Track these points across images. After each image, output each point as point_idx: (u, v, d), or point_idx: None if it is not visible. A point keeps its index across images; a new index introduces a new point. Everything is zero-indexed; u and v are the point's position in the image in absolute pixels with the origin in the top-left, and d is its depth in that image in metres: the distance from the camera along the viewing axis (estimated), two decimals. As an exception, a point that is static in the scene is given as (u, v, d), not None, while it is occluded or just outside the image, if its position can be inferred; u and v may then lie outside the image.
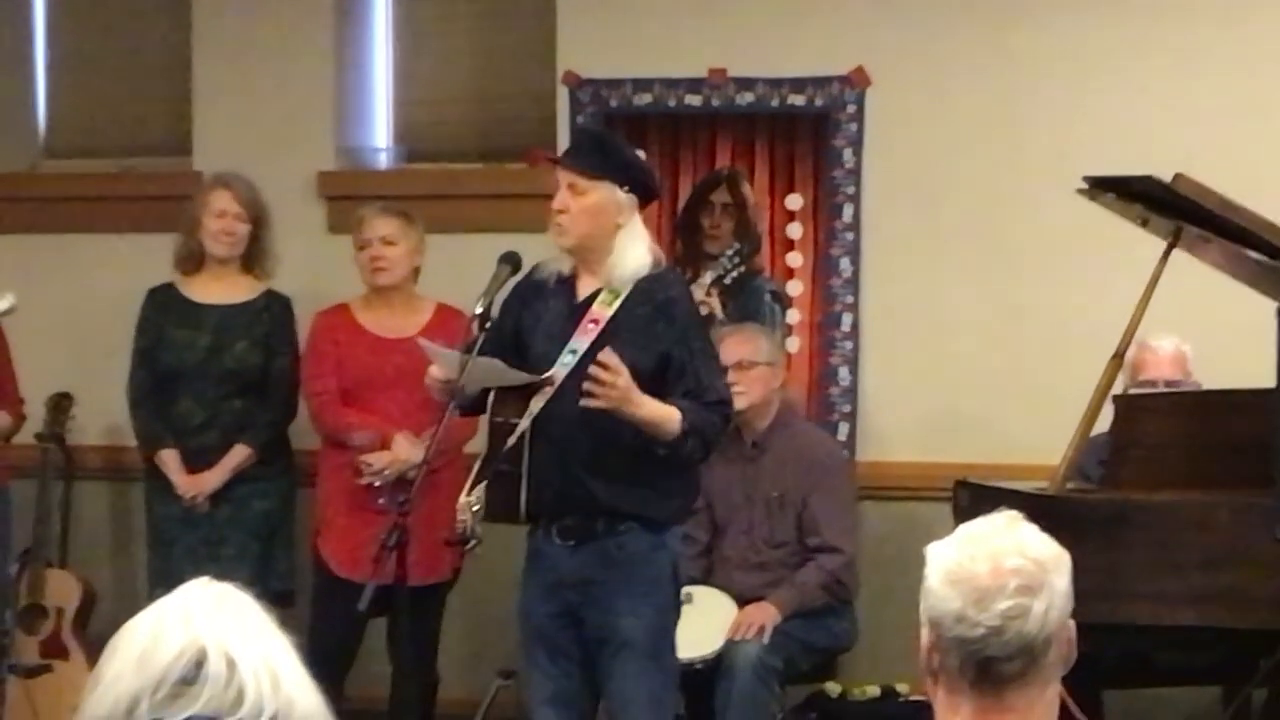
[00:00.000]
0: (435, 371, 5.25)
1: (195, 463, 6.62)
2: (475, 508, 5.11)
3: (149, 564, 6.75)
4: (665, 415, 5.08)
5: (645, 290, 5.20)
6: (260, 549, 6.64)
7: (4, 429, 6.83)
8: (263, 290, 6.77)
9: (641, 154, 7.11)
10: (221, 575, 2.33)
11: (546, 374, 5.15)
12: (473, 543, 5.16)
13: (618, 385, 4.97)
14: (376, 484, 6.36)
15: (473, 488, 5.14)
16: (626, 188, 5.17)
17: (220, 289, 6.74)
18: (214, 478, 6.60)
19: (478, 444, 5.41)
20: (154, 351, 6.70)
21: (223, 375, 6.65)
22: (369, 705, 6.13)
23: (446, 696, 6.76)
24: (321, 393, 6.55)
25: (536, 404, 5.14)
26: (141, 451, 6.77)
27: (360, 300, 6.66)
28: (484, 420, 5.33)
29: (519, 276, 5.34)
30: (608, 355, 5.02)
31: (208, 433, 6.65)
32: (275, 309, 6.76)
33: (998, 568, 2.56)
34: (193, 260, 6.75)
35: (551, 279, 5.27)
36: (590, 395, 4.98)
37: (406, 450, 6.35)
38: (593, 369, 4.99)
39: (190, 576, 2.34)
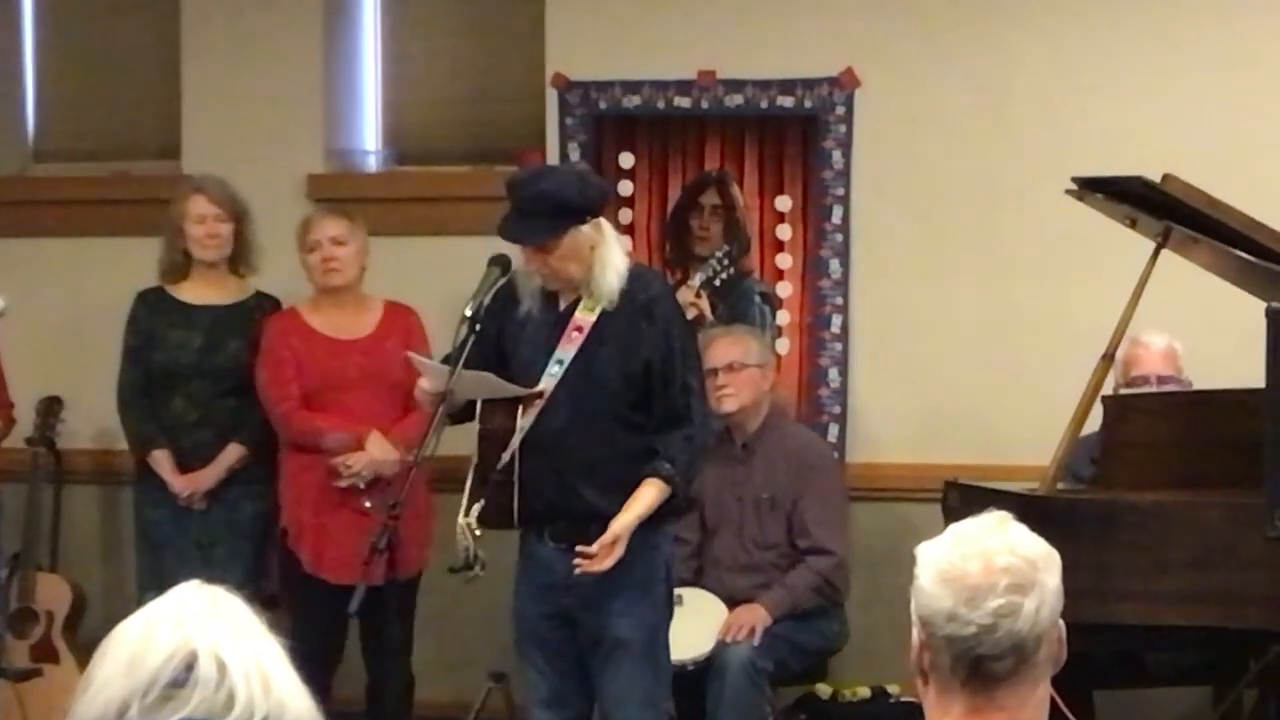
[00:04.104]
0: (425, 384, 5.28)
1: (189, 462, 6.60)
2: (477, 532, 5.12)
3: (139, 567, 6.73)
4: (651, 502, 5.17)
5: (626, 293, 5.22)
6: (252, 551, 6.63)
7: (-6, 433, 6.84)
8: (253, 291, 6.77)
9: (630, 157, 7.18)
10: (213, 578, 2.32)
11: (536, 388, 5.16)
12: (477, 568, 5.17)
13: (607, 555, 5.09)
14: (361, 485, 6.35)
15: (469, 507, 5.15)
16: (588, 219, 5.18)
17: (210, 291, 6.73)
18: (209, 475, 6.58)
19: (457, 447, 5.37)
20: (146, 351, 6.68)
21: (217, 374, 6.64)
22: (347, 707, 6.12)
23: (435, 699, 6.75)
24: (286, 400, 6.47)
25: (528, 417, 5.16)
26: (133, 453, 6.75)
27: (309, 304, 6.62)
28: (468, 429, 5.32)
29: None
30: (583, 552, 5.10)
31: (202, 431, 6.63)
32: (267, 309, 6.74)
33: (989, 566, 2.56)
34: (178, 269, 6.74)
35: (533, 289, 5.28)
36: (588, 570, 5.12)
37: (381, 449, 6.35)
38: (578, 562, 5.09)
39: (181, 579, 2.33)
